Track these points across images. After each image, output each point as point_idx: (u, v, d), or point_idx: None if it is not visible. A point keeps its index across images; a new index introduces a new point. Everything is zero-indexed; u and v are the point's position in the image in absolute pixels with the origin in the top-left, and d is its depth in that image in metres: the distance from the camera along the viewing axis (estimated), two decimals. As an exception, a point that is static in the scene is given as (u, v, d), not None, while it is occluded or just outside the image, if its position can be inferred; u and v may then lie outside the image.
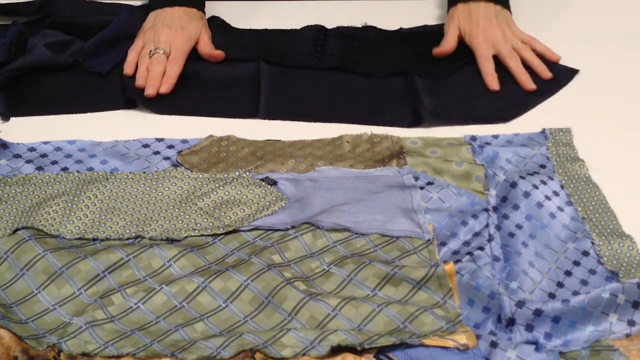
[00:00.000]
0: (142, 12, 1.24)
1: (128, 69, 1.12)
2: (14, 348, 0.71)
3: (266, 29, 1.23)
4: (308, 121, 1.05)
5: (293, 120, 1.05)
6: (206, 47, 1.16)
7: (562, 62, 1.15)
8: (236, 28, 1.24)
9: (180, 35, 1.14)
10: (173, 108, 1.07)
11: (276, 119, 1.06)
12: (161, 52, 1.12)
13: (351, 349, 0.72)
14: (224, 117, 1.06)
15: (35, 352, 0.71)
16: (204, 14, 1.21)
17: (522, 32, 1.16)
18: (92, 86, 1.11)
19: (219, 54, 1.16)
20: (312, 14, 1.27)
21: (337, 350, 0.71)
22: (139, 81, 1.09)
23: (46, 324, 0.76)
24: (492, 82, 1.10)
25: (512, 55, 1.12)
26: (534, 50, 1.15)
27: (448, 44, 1.16)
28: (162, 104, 1.07)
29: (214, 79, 1.13)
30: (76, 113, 1.06)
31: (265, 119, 1.06)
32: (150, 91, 1.08)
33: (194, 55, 1.16)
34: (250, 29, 1.24)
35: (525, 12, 1.24)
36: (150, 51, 1.12)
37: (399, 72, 1.13)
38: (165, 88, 1.08)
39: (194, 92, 1.11)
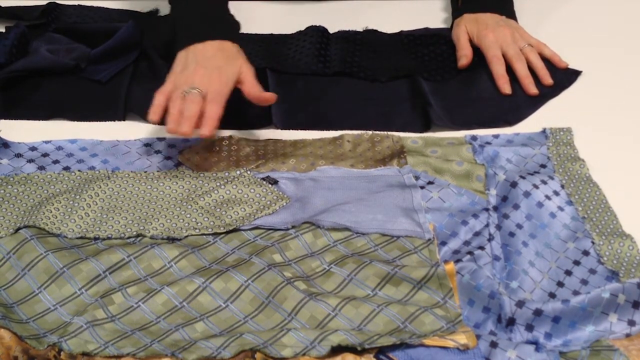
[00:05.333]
0: (147, 22, 1.23)
1: (154, 114, 0.96)
2: (14, 348, 0.71)
3: (266, 34, 1.23)
4: (322, 130, 1.03)
5: (307, 130, 1.04)
6: (253, 89, 0.99)
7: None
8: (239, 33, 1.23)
9: (218, 78, 0.98)
10: None
11: (290, 129, 1.04)
12: (196, 91, 0.96)
13: (351, 349, 0.72)
14: (236, 128, 1.03)
15: (36, 352, 0.71)
16: (239, 45, 1.04)
17: (532, 37, 1.16)
18: (92, 94, 1.09)
19: (270, 96, 1.00)
20: (312, 14, 1.27)
21: (337, 350, 0.72)
22: (170, 125, 0.93)
23: (47, 323, 0.76)
24: (504, 85, 1.10)
25: (519, 57, 1.12)
26: (541, 55, 1.14)
27: (467, 51, 1.15)
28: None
29: None
30: (73, 120, 1.04)
31: (280, 129, 1.04)
32: (185, 129, 0.92)
33: None
34: (252, 34, 1.23)
35: (526, 13, 1.24)
36: (184, 92, 0.96)
37: (403, 76, 1.13)
38: (206, 130, 0.93)
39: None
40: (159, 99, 0.97)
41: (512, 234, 0.86)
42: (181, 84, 0.98)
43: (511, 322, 0.75)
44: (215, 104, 0.95)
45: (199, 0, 1.08)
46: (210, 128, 0.93)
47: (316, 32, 1.20)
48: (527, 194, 0.89)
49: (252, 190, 0.91)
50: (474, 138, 0.99)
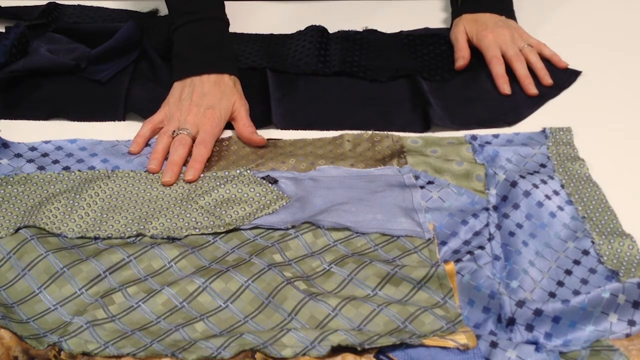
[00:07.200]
0: (147, 22, 1.23)
1: (136, 145, 0.97)
2: (14, 348, 0.71)
3: (265, 34, 1.23)
4: (322, 130, 1.03)
5: (307, 130, 1.03)
6: (245, 129, 1.00)
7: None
8: (238, 33, 1.22)
9: (210, 117, 0.98)
10: None
11: (290, 129, 1.04)
12: (185, 132, 0.96)
13: (351, 349, 0.72)
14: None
15: (36, 352, 0.71)
16: (237, 75, 1.05)
17: (531, 37, 1.16)
18: (92, 95, 1.08)
19: (260, 140, 0.99)
20: (313, 14, 1.27)
21: (337, 350, 0.72)
22: (151, 164, 0.94)
23: (47, 323, 0.76)
24: (504, 85, 1.10)
25: (518, 57, 1.12)
26: (541, 55, 1.14)
27: (465, 52, 1.15)
28: None
29: None
30: (73, 120, 1.04)
31: (280, 129, 1.04)
32: (168, 178, 0.92)
33: None
34: (252, 34, 1.23)
35: (526, 13, 1.24)
36: (174, 131, 0.98)
37: (403, 76, 1.13)
38: (192, 174, 0.93)
39: None
40: (144, 129, 0.99)
41: (512, 234, 0.86)
42: (172, 118, 0.99)
43: (511, 322, 0.75)
44: (204, 147, 0.96)
45: (199, 27, 1.07)
46: (196, 172, 0.93)
47: (316, 32, 1.20)
48: (527, 194, 0.89)
49: (252, 190, 0.91)
50: (474, 138, 0.99)
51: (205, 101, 1.00)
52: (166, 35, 1.13)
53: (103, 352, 0.72)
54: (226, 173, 0.94)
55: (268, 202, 0.90)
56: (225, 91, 1.02)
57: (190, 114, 0.99)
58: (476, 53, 1.16)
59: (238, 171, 0.94)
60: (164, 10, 1.27)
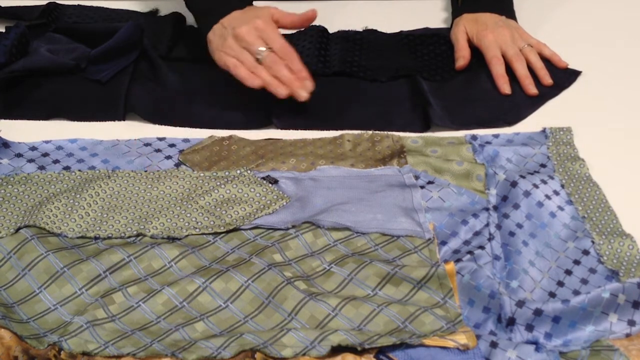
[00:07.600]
0: (147, 22, 1.23)
1: (256, 82, 1.02)
2: (14, 348, 0.71)
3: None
4: (322, 130, 1.03)
5: (307, 130, 1.04)
6: (292, 17, 1.06)
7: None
8: None
9: (262, 23, 1.03)
10: (182, 122, 1.05)
11: (290, 129, 1.04)
12: (265, 52, 1.02)
13: (351, 349, 0.72)
14: (235, 129, 1.03)
15: (36, 352, 0.71)
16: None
17: (531, 37, 1.16)
18: (92, 94, 1.08)
19: (311, 13, 1.07)
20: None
21: (337, 350, 0.72)
22: (284, 91, 1.01)
23: (47, 323, 0.76)
24: (504, 85, 1.09)
25: (518, 57, 1.12)
26: (541, 55, 1.14)
27: (465, 52, 1.15)
28: (170, 118, 1.05)
29: (221, 91, 1.09)
30: (73, 120, 1.04)
31: (280, 129, 1.04)
32: (304, 94, 1.01)
33: (198, 67, 1.13)
34: None
35: (526, 13, 1.24)
36: (257, 59, 1.02)
37: (403, 76, 1.13)
38: (308, 82, 1.02)
39: (202, 105, 1.07)
40: (242, 71, 1.02)
41: (512, 234, 0.86)
42: (238, 51, 1.03)
43: (511, 322, 0.75)
44: (288, 54, 1.01)
45: None
46: (308, 77, 1.02)
47: (316, 32, 1.20)
48: (527, 194, 0.89)
49: (252, 190, 0.91)
50: (474, 138, 1.00)
51: (244, 18, 1.04)
52: (166, 34, 1.13)
53: (103, 352, 0.72)
54: (226, 173, 0.94)
55: (268, 202, 0.90)
56: (253, 8, 1.07)
57: (244, 34, 1.03)
58: (476, 53, 1.16)
59: (238, 171, 0.94)
60: (164, 10, 1.27)
